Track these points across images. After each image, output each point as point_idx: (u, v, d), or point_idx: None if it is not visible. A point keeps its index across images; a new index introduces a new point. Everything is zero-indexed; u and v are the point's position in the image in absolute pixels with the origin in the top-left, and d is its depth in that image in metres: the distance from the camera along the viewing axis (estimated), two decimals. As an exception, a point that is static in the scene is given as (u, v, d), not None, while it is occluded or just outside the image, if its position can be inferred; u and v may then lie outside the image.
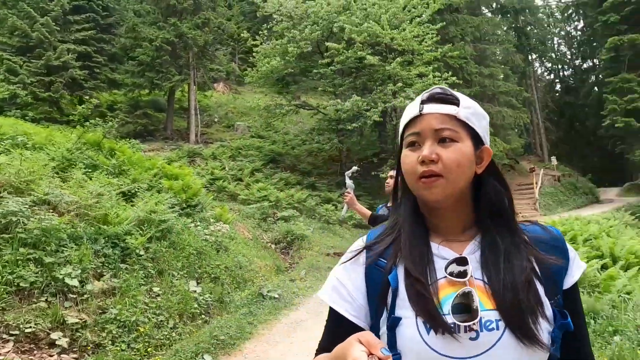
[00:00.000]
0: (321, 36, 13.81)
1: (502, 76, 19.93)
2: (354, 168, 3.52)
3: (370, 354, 0.55)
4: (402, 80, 12.82)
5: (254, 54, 15.54)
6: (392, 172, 3.22)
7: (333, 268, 0.82)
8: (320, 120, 15.78)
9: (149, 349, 3.85)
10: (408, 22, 13.01)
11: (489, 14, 25.70)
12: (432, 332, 0.67)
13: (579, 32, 35.41)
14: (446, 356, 0.66)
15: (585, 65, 35.86)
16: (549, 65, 39.34)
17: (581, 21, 32.89)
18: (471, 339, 0.67)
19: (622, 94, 17.60)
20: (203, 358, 3.55)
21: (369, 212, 3.16)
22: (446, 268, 0.72)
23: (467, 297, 0.68)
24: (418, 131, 0.76)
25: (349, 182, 3.31)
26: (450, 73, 13.33)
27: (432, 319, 0.67)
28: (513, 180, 23.44)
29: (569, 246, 0.78)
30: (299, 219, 9.85)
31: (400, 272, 0.74)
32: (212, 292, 5.29)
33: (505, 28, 26.84)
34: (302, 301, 5.47)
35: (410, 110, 0.79)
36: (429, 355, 0.67)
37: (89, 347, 3.80)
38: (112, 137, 9.01)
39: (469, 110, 0.76)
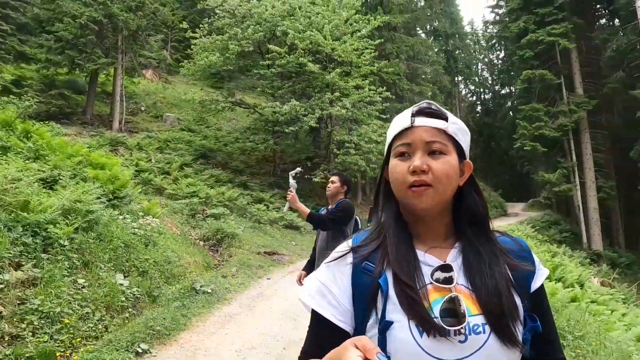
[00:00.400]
0: (263, 37, 14.04)
1: (430, 94, 21.73)
2: (298, 169, 3.78)
3: (365, 358, 0.57)
4: (340, 90, 13.50)
5: (192, 46, 15.26)
6: (334, 178, 3.60)
7: (315, 271, 0.83)
8: (257, 120, 15.94)
9: (74, 341, 3.82)
10: (349, 35, 13.75)
11: (423, 35, 27.89)
12: (424, 334, 0.70)
13: (500, 61, 39.60)
14: (438, 358, 0.70)
15: (503, 91, 40.14)
16: (473, 88, 43.48)
17: (502, 52, 36.85)
18: (460, 341, 0.71)
19: (531, 121, 20.22)
20: (139, 347, 3.64)
21: (308, 210, 3.46)
22: (432, 274, 0.76)
23: (454, 302, 0.73)
24: (409, 142, 0.80)
25: (292, 181, 3.55)
26: (384, 88, 14.32)
27: (425, 322, 0.70)
28: (435, 192, 25.74)
29: (534, 255, 0.86)
30: (230, 217, 9.93)
31: (389, 277, 0.75)
32: (140, 285, 5.28)
33: (436, 50, 29.30)
34: (235, 296, 5.68)
35: (400, 122, 0.83)
36: (422, 358, 0.70)
37: (5, 339, 3.67)
38: (20, 117, 8.34)
39: (456, 125, 0.82)
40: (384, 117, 15.33)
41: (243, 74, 17.41)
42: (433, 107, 0.82)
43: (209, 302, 5.14)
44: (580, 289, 8.51)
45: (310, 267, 3.76)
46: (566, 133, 20.11)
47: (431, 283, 0.76)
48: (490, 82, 42.68)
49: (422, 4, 26.06)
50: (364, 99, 14.05)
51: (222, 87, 16.51)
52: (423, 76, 21.86)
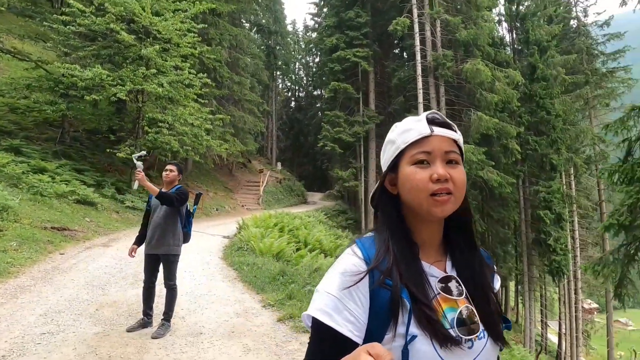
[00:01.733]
0: (56, -16, 12.38)
1: (249, 85, 22.97)
2: (143, 152, 4.31)
3: None
4: (157, 66, 13.12)
5: None
6: (172, 167, 4.30)
7: (323, 284, 0.82)
8: (42, 77, 13.78)
9: None
10: (171, 12, 13.43)
11: (248, 25, 28.99)
12: (448, 344, 0.78)
13: (315, 65, 44.18)
14: None
15: (315, 92, 44.87)
16: (289, 84, 47.19)
17: (318, 57, 41.26)
18: (468, 347, 0.80)
19: (333, 126, 23.77)
20: None
21: (157, 189, 4.03)
22: (437, 286, 0.83)
23: (465, 314, 0.81)
24: (429, 150, 0.83)
25: (138, 163, 4.01)
26: (205, 74, 14.61)
27: (445, 339, 0.77)
28: (244, 177, 27.20)
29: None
30: (-5, 186, 8.64)
31: (406, 292, 0.79)
32: None
33: (259, 42, 30.79)
34: (22, 270, 5.42)
35: (416, 129, 0.85)
36: None
37: None
38: None
39: (461, 138, 0.88)
40: (202, 101, 15.63)
41: (20, 16, 14.65)
42: (444, 118, 0.88)
43: (-7, 273, 4.80)
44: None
45: (140, 241, 4.33)
46: (359, 139, 24.46)
47: (439, 294, 0.82)
48: (305, 82, 47.11)
49: (249, -3, 27.01)
50: (183, 81, 14.04)
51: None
52: (244, 67, 22.89)
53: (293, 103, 47.60)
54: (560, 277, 19.84)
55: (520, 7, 27.05)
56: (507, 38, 28.20)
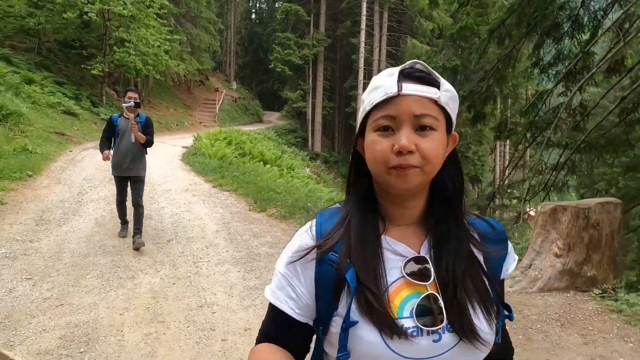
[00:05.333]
0: None
1: (205, 2, 24.68)
2: (131, 102, 4.65)
3: None
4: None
5: None
6: (135, 94, 4.77)
7: (278, 262, 0.82)
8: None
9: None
10: None
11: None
12: (394, 335, 0.69)
13: (278, -27, 43.86)
14: (407, 357, 0.69)
15: (277, 5, 45.10)
16: (250, -5, 46.96)
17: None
18: (434, 341, 0.70)
19: (284, 48, 26.29)
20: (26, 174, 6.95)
21: (145, 137, 4.68)
22: (404, 266, 0.74)
23: (430, 301, 0.71)
24: (394, 115, 0.71)
25: (131, 115, 4.63)
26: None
27: (389, 329, 0.68)
28: (201, 95, 29.88)
29: (509, 241, 0.85)
30: (6, 94, 10.89)
31: (352, 272, 0.72)
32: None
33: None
34: (57, 157, 8.94)
35: (383, 87, 0.72)
36: (389, 358, 0.69)
37: None
38: None
39: (448, 94, 0.74)
40: (162, 20, 18.02)
41: None
42: (422, 68, 0.73)
43: (43, 158, 8.42)
44: (292, 171, 15.01)
45: (109, 147, 4.89)
46: (307, 62, 27.28)
47: (403, 277, 0.73)
48: (267, -8, 46.84)
49: None
50: (144, 1, 16.34)
51: None
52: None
53: (253, 15, 47.64)
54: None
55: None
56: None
